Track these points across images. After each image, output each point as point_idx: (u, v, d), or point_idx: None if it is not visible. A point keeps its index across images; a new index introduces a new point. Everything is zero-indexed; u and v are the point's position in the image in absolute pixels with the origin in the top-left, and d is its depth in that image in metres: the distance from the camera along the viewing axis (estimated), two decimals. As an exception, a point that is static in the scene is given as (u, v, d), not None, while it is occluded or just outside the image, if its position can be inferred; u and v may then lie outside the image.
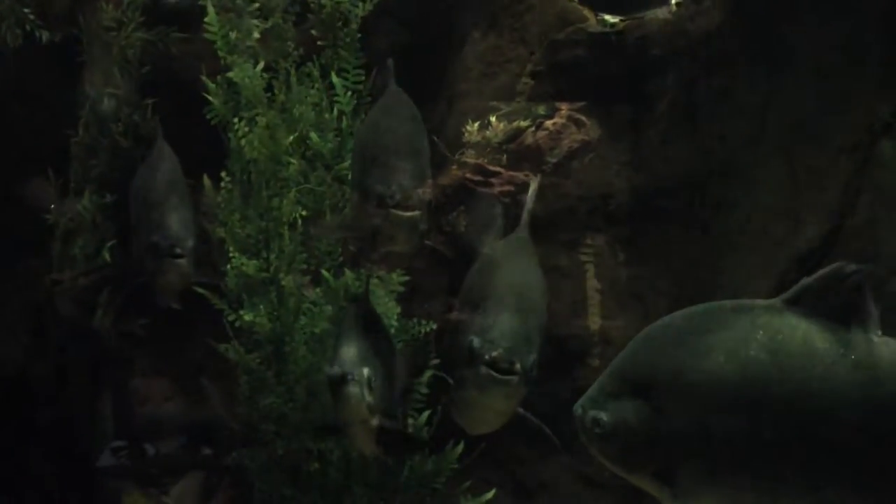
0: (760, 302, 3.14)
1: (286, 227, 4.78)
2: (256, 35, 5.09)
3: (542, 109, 5.14)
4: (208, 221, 5.12)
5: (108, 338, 5.78)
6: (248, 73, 4.89)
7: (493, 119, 5.16)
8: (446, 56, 5.44)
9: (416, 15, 5.48)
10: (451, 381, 4.04)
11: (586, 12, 4.97)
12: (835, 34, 5.01)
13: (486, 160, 5.18)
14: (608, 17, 4.94)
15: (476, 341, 3.83)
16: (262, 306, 4.81)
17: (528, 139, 5.12)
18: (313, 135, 4.93)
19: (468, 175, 5.19)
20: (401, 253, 4.04)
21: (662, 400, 3.13)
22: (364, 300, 4.31)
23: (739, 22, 5.05)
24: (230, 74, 4.98)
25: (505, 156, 5.16)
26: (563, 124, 5.10)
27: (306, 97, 4.87)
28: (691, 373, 3.10)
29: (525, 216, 4.33)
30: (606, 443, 3.18)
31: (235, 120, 4.93)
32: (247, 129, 4.88)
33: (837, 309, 2.99)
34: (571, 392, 4.92)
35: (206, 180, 5.04)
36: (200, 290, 5.01)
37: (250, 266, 4.73)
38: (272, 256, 4.77)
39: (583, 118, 5.08)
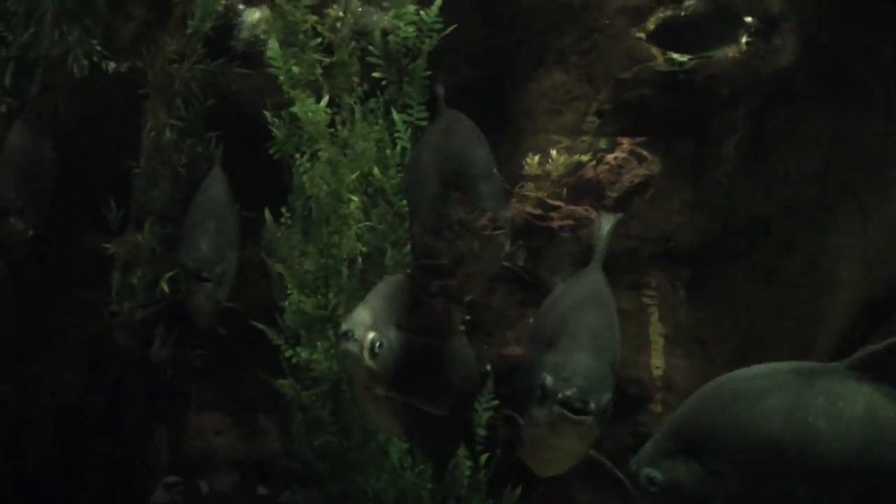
0: (821, 365, 3.05)
1: (346, 265, 4.73)
2: (319, 70, 5.07)
3: (603, 143, 5.06)
4: (268, 256, 5.09)
5: (164, 370, 5.78)
6: (310, 108, 4.86)
7: (553, 152, 5.09)
8: (510, 92, 5.37)
9: (480, 50, 5.43)
10: (518, 420, 3.88)
11: (654, 51, 4.88)
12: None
13: (545, 194, 5.10)
14: (676, 56, 4.85)
15: (549, 379, 3.66)
16: (319, 344, 4.76)
17: (589, 173, 5.04)
18: (375, 171, 4.89)
19: (529, 209, 5.12)
20: (480, 276, 3.96)
21: (717, 462, 3.07)
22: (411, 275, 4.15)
23: (811, 60, 4.95)
24: (293, 109, 4.96)
25: (565, 190, 5.08)
26: (624, 159, 5.01)
27: (369, 133, 4.82)
28: (747, 436, 3.02)
29: (599, 251, 4.17)
30: (660, 502, 3.11)
31: (298, 155, 4.89)
32: (309, 164, 4.85)
33: None
34: (632, 438, 4.84)
35: (268, 215, 5.01)
36: (259, 326, 5.01)
37: (308, 303, 4.69)
38: (331, 294, 4.73)
39: (645, 153, 5.00)
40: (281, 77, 5.02)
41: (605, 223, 4.24)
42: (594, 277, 4.09)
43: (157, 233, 5.77)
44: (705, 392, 3.23)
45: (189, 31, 5.69)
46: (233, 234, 5.21)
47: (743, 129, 4.93)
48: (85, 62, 5.94)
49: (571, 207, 5.08)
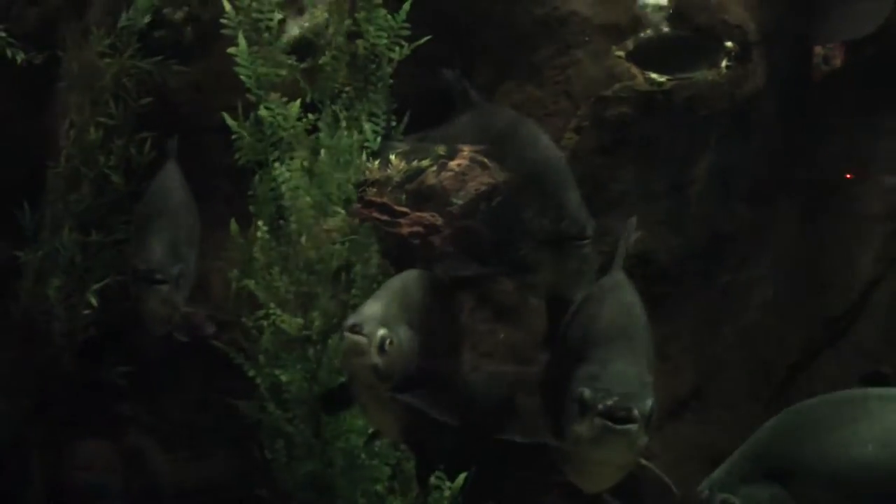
0: None
1: (330, 282, 4.48)
2: (283, 72, 4.78)
3: (441, 150, 5.02)
4: (229, 269, 4.76)
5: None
6: (288, 112, 4.58)
7: (392, 157, 5.01)
8: (474, 104, 5.24)
9: (439, 60, 5.27)
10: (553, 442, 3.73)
11: (634, 70, 4.89)
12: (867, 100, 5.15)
13: (388, 199, 5.01)
14: (655, 76, 4.88)
15: (587, 392, 3.49)
16: (299, 366, 4.48)
17: (431, 179, 4.98)
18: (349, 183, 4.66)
19: (375, 214, 5.01)
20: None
21: (803, 487, 3.10)
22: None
23: (774, 86, 5.12)
24: (262, 112, 4.66)
25: (404, 195, 5.00)
26: (467, 166, 4.99)
27: (354, 142, 4.59)
28: (837, 461, 3.06)
29: (620, 256, 4.04)
30: None
31: (276, 164, 4.58)
32: (287, 173, 4.55)
33: None
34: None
35: (234, 225, 4.68)
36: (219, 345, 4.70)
37: (292, 325, 4.39)
38: (315, 314, 4.45)
39: (486, 160, 4.99)
40: (247, 78, 4.69)
41: (624, 227, 4.17)
42: (617, 282, 3.99)
43: (77, 240, 5.28)
44: (787, 418, 3.26)
45: (122, 24, 5.24)
46: (191, 232, 4.86)
47: (714, 151, 5.02)
48: (-14, 49, 5.37)
49: (419, 214, 5.01)
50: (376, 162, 4.92)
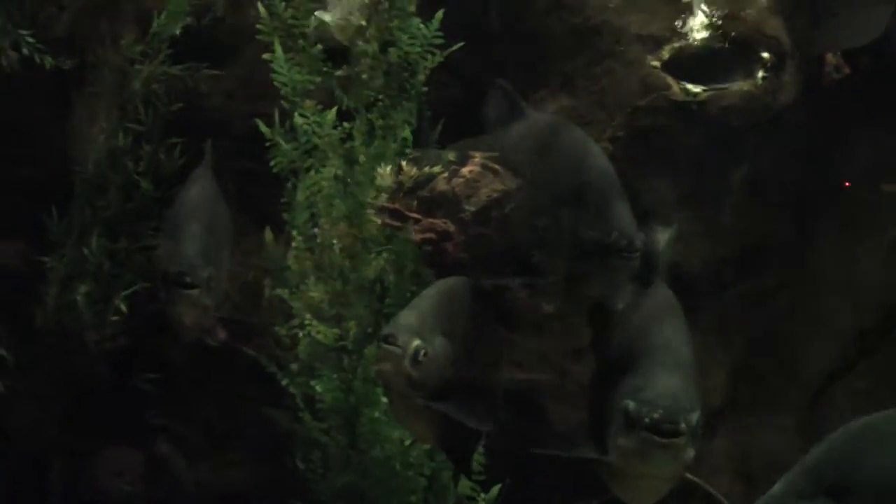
0: None
1: (367, 293, 4.45)
2: (318, 79, 4.75)
3: (451, 155, 5.00)
4: (264, 278, 4.74)
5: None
6: (316, 119, 4.55)
7: (404, 164, 4.98)
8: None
9: (469, 68, 5.26)
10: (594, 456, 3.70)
11: (669, 80, 4.88)
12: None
13: (399, 206, 4.98)
14: (690, 87, 4.86)
15: (631, 405, 3.47)
16: (334, 376, 4.45)
17: (442, 185, 4.96)
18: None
19: (388, 220, 4.99)
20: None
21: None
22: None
23: (808, 97, 5.11)
24: (297, 120, 4.63)
25: (416, 202, 4.98)
26: (479, 172, 4.96)
27: (389, 149, 4.57)
28: None
29: (661, 265, 4.02)
30: None
31: (312, 172, 4.56)
32: (323, 182, 4.52)
33: None
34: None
35: (269, 234, 4.65)
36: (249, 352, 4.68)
37: (329, 335, 4.36)
38: (352, 324, 4.42)
39: (497, 167, 4.97)
40: (284, 85, 4.66)
41: (663, 236, 4.12)
42: (660, 293, 3.96)
43: (105, 246, 5.25)
44: (846, 433, 3.21)
45: (154, 30, 5.22)
46: (224, 236, 4.84)
47: (750, 161, 5.01)
48: (15, 55, 5.33)
49: (431, 220, 4.98)
50: (388, 168, 4.91)
